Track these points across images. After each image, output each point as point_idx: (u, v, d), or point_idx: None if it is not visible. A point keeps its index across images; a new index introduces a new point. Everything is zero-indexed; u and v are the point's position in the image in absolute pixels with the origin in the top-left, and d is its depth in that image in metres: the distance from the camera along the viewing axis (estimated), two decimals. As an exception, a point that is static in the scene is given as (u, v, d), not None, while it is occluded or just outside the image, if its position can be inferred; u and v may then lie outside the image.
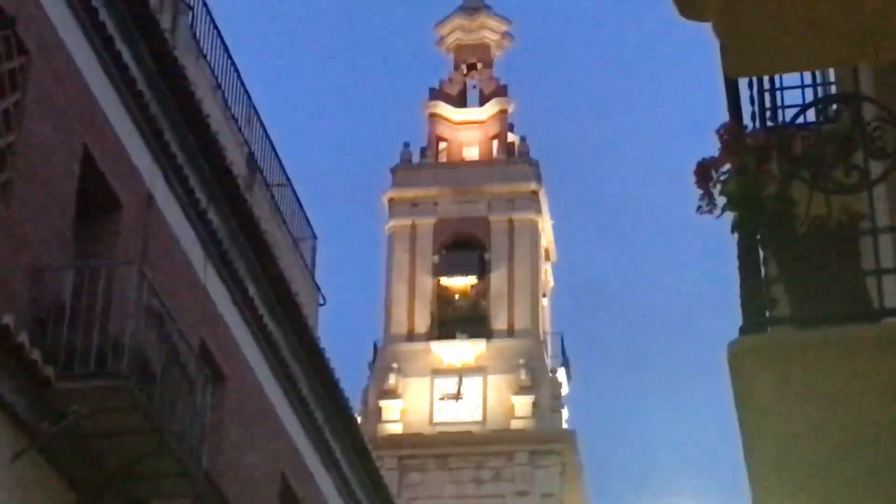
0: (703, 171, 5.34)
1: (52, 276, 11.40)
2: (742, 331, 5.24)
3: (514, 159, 38.25)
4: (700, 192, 5.38)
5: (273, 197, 18.68)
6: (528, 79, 71.44)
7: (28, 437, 10.53)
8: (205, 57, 16.16)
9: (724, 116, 5.80)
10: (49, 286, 11.32)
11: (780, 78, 7.28)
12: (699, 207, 5.41)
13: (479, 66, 40.23)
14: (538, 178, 37.96)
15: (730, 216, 5.60)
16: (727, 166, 5.38)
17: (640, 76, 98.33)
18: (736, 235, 5.50)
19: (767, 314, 5.40)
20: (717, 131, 5.37)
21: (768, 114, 6.68)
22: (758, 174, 5.36)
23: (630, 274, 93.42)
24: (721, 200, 5.42)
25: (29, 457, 10.58)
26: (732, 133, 5.33)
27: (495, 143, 38.84)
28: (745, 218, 5.37)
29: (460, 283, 36.66)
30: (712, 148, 5.67)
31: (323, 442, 19.17)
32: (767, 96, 7.02)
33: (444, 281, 36.67)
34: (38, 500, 10.85)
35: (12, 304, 10.33)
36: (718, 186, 5.40)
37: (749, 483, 5.83)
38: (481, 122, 39.27)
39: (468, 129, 39.27)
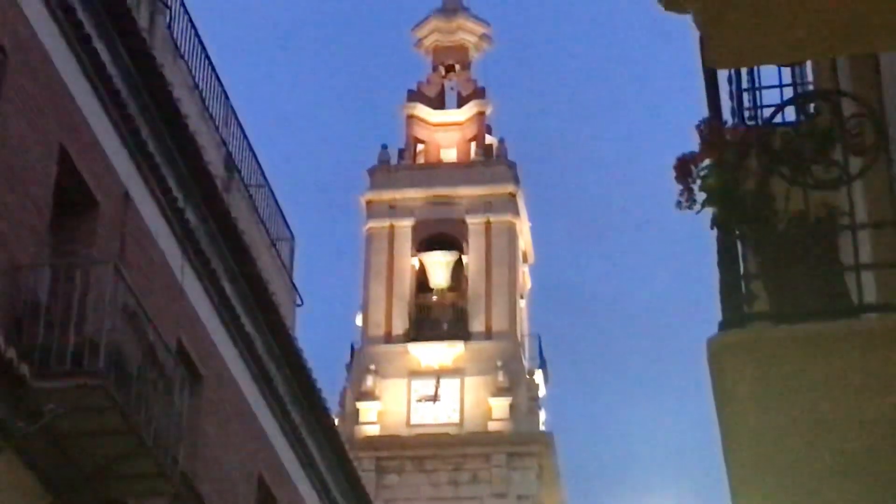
0: (683, 167, 5.33)
1: (28, 274, 11.34)
2: (721, 326, 5.24)
3: (491, 161, 38.25)
4: (680, 187, 5.38)
5: (251, 197, 18.63)
6: (506, 80, 71.43)
7: (3, 436, 10.47)
8: (182, 56, 16.10)
9: (702, 118, 5.80)
10: (25, 285, 11.26)
11: (759, 77, 7.30)
12: (679, 203, 5.41)
13: (457, 67, 40.22)
14: (516, 180, 37.98)
15: (709, 212, 5.60)
16: (707, 161, 5.38)
17: (617, 77, 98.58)
18: (715, 231, 5.50)
19: (747, 310, 5.39)
20: (697, 126, 5.37)
21: (748, 113, 6.70)
22: (737, 169, 5.36)
23: (607, 275, 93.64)
24: (701, 196, 5.41)
25: (5, 456, 10.52)
26: (712, 128, 5.33)
27: (473, 144, 38.83)
28: (725, 213, 5.36)
29: (438, 285, 36.63)
30: (689, 149, 5.67)
31: (300, 443, 19.12)
32: (746, 95, 7.04)
33: (422, 283, 36.63)
34: (14, 499, 10.79)
35: (-12, 303, 10.26)
36: (698, 182, 5.39)
37: (728, 479, 5.82)
38: (459, 124, 39.26)
39: (446, 131, 39.26)
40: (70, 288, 11.39)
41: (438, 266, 36.76)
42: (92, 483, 11.72)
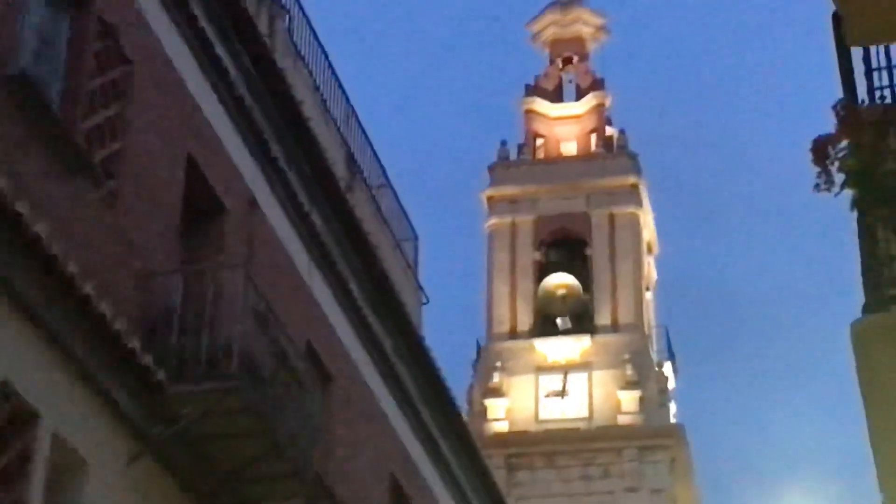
0: (821, 149, 5.20)
1: (160, 281, 11.50)
2: (865, 309, 5.09)
3: (612, 153, 37.94)
4: (817, 169, 5.24)
5: (374, 197, 18.71)
6: (625, 71, 70.79)
7: (143, 441, 10.64)
8: (302, 59, 16.23)
9: (826, 108, 5.65)
10: (158, 291, 11.43)
11: (890, 56, 7.09)
12: (816, 185, 5.27)
13: (575, 60, 39.99)
14: (638, 171, 37.63)
15: (845, 195, 5.45)
16: (844, 143, 5.23)
17: (737, 63, 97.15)
18: (854, 213, 5.36)
19: (891, 292, 5.24)
20: (834, 107, 5.23)
21: (886, 92, 6.51)
22: (876, 150, 5.21)
23: (734, 264, 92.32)
24: (839, 178, 5.27)
25: (144, 461, 10.69)
26: (849, 109, 5.18)
27: (593, 137, 38.57)
28: (865, 195, 5.22)
29: (562, 279, 36.43)
30: (813, 133, 5.52)
31: (431, 441, 19.16)
32: (876, 76, 6.84)
33: (546, 278, 36.47)
34: (154, 502, 10.95)
35: (123, 311, 10.43)
36: (836, 164, 5.25)
37: (876, 468, 5.66)
38: (578, 117, 39.03)
39: (565, 125, 39.05)
40: (201, 293, 11.53)
41: (562, 260, 36.58)
42: (228, 485, 11.85)
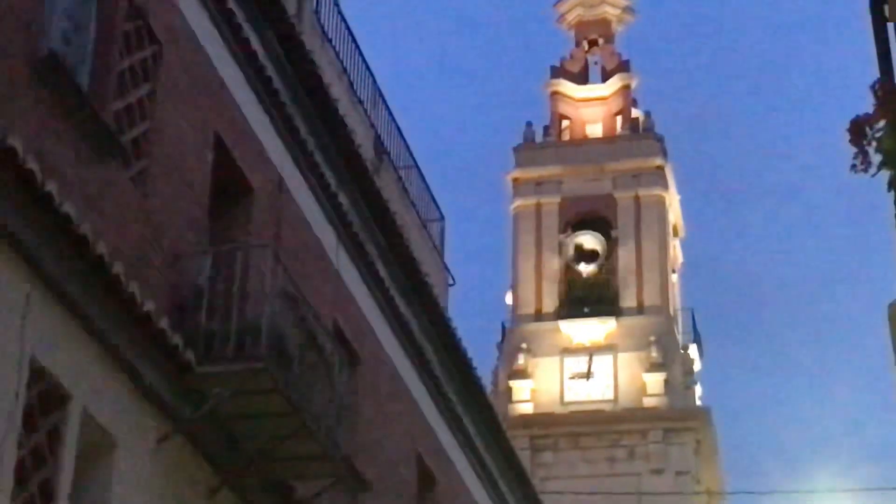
0: (858, 129, 5.15)
1: (189, 262, 11.52)
2: (903, 291, 5.05)
3: (638, 135, 37.85)
4: (854, 150, 5.20)
5: (400, 179, 18.71)
6: (651, 52, 70.56)
7: (172, 421, 10.68)
8: (330, 41, 16.21)
9: (855, 92, 5.61)
10: (187, 272, 11.45)
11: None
12: (853, 166, 5.23)
13: (601, 41, 39.87)
14: (664, 153, 37.53)
15: (884, 175, 5.41)
16: (882, 123, 5.18)
17: (763, 44, 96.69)
18: (892, 194, 5.31)
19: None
20: (871, 87, 5.18)
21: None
22: (914, 130, 5.16)
23: (759, 246, 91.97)
24: (876, 158, 5.22)
25: (173, 441, 10.72)
26: (886, 88, 5.13)
27: (619, 119, 38.47)
28: (903, 176, 5.17)
29: (587, 261, 36.40)
30: (841, 117, 5.47)
31: (457, 422, 19.18)
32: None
33: (571, 259, 36.44)
34: (184, 482, 11.00)
35: (152, 291, 10.46)
36: (873, 144, 5.20)
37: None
38: (604, 99, 38.92)
39: (591, 106, 38.96)
40: (230, 274, 11.54)
41: (587, 242, 36.54)
42: (257, 465, 11.89)
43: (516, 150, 38.10)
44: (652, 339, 34.44)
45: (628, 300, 35.46)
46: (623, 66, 39.08)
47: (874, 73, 6.35)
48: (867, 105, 5.34)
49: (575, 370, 34.76)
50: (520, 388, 34.73)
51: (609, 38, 39.90)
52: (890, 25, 5.75)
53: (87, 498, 9.70)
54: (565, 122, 38.87)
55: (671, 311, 36.13)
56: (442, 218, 21.04)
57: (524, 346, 35.06)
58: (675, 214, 38.10)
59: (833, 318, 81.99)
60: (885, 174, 5.25)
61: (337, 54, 16.53)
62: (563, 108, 38.92)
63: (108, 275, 9.54)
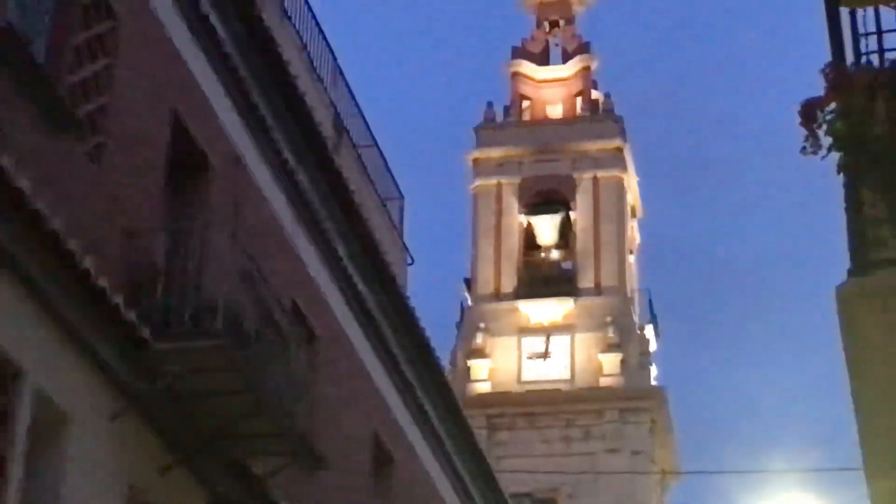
0: (809, 111, 5.20)
1: (145, 239, 11.48)
2: (851, 273, 5.11)
3: (598, 116, 37.96)
4: (804, 132, 5.25)
5: (360, 157, 18.68)
6: (611, 34, 70.71)
7: (127, 398, 10.64)
8: (289, 18, 16.15)
9: (810, 75, 5.66)
10: (143, 249, 11.40)
11: (879, 20, 7.09)
12: (803, 148, 5.28)
13: (562, 23, 39.91)
14: (623, 135, 37.66)
15: (834, 158, 5.46)
16: (833, 106, 5.24)
17: (722, 28, 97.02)
18: (841, 177, 5.37)
19: (875, 256, 5.26)
20: (823, 70, 5.23)
21: (874, 58, 6.50)
22: (865, 114, 5.21)
23: (717, 229, 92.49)
24: (826, 141, 5.27)
25: (128, 417, 10.69)
26: (838, 71, 5.18)
27: (579, 100, 38.54)
28: (852, 158, 5.23)
29: (545, 241, 36.51)
30: (794, 99, 5.52)
31: (414, 400, 19.22)
32: (863, 41, 6.84)
33: (530, 240, 36.54)
34: (138, 459, 10.97)
35: (108, 268, 10.41)
36: (824, 127, 5.25)
37: (858, 431, 5.70)
38: (564, 80, 38.98)
39: (551, 87, 39.01)
40: (187, 251, 11.51)
41: (546, 223, 36.63)
42: (212, 443, 11.87)
43: (477, 130, 38.12)
44: (609, 319, 34.61)
45: (586, 281, 35.60)
46: (583, 48, 39.15)
47: (828, 55, 6.42)
48: (820, 88, 5.40)
49: (532, 350, 34.89)
50: (478, 367, 34.84)
51: (570, 20, 39.95)
52: (843, 9, 5.82)
53: (39, 475, 9.66)
54: (526, 103, 38.92)
55: (628, 292, 36.31)
56: (401, 197, 21.03)
57: (482, 325, 35.15)
58: (633, 195, 38.26)
59: (785, 300, 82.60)
60: (835, 156, 5.31)
61: (297, 31, 16.46)
62: (524, 88, 38.96)
63: (64, 250, 9.49)
